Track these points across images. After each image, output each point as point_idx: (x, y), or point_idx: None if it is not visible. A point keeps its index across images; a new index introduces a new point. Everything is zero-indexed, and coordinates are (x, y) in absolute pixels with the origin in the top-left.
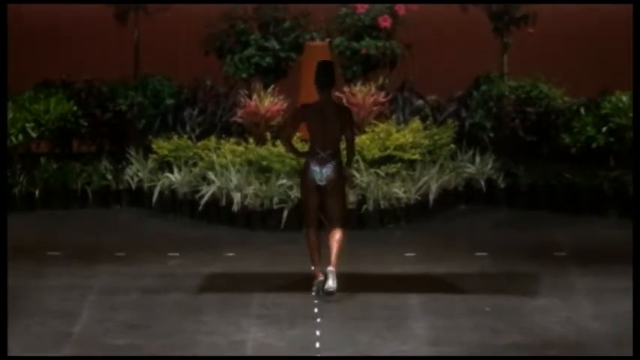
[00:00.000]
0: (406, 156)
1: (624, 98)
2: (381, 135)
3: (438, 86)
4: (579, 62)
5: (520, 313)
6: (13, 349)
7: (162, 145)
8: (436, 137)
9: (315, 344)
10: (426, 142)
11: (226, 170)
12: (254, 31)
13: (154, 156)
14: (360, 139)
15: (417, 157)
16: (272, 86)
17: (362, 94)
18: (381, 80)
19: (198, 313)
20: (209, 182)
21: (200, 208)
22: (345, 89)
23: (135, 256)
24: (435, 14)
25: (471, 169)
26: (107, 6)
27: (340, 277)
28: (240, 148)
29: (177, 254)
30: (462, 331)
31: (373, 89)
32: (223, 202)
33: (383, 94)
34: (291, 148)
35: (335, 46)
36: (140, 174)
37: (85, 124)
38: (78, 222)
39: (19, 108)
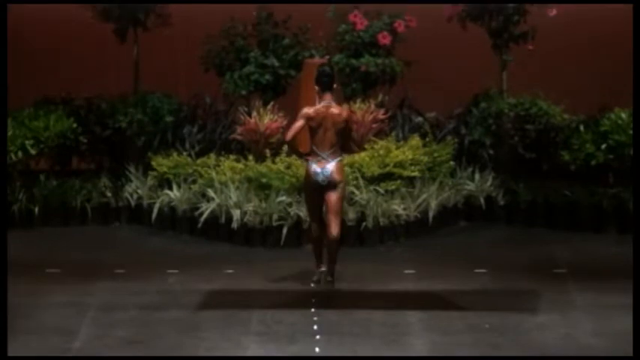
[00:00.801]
0: (405, 173)
1: (623, 115)
2: (381, 152)
3: (438, 103)
4: (578, 79)
5: (519, 329)
6: None
7: (161, 162)
8: (435, 154)
9: None
10: (426, 159)
11: (226, 187)
12: (253, 48)
13: (154, 173)
14: (360, 157)
15: (416, 174)
16: (271, 103)
17: (361, 111)
18: (380, 97)
19: (198, 330)
20: (208, 199)
21: (199, 225)
22: (345, 106)
23: (134, 273)
24: (434, 31)
25: (471, 186)
26: (107, 23)
27: (339, 294)
28: (240, 165)
29: (177, 271)
30: (462, 347)
31: (372, 106)
32: (223, 220)
33: (382, 111)
34: (294, 148)
35: (334, 63)
36: (139, 191)
37: (85, 141)
38: (77, 239)
39: (19, 125)
